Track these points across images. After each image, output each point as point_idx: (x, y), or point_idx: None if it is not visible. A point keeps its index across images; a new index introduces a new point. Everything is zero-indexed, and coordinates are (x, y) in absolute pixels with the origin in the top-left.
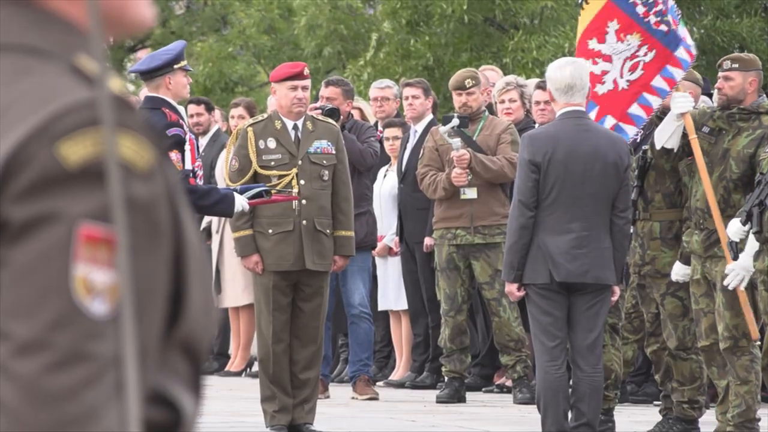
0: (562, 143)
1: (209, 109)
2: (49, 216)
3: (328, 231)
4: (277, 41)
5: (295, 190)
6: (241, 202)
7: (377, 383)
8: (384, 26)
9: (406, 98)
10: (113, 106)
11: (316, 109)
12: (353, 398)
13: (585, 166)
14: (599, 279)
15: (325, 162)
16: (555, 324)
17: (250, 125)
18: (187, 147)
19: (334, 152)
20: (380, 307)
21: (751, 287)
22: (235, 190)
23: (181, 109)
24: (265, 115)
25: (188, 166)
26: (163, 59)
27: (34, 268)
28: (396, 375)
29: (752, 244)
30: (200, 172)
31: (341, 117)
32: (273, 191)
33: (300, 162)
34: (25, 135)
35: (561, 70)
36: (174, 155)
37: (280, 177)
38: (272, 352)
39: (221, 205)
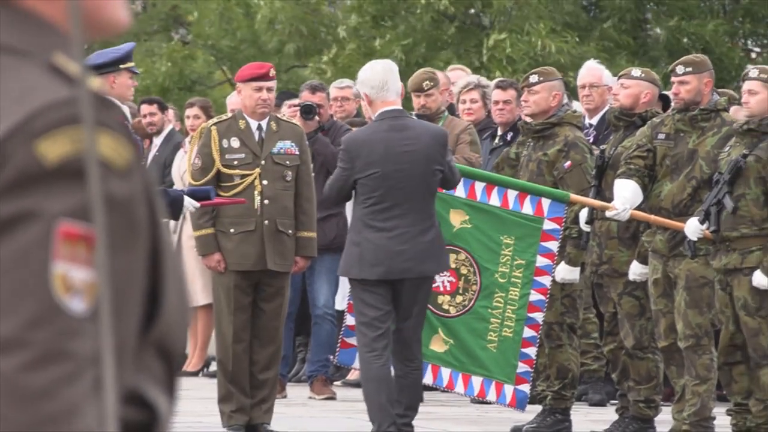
0: (378, 146)
1: (162, 108)
2: (27, 214)
3: (290, 231)
4: (236, 40)
5: (258, 190)
6: (187, 205)
7: (335, 383)
8: (350, 21)
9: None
10: (92, 105)
11: (294, 106)
12: (310, 398)
13: (404, 166)
14: (422, 273)
15: (288, 162)
16: (378, 317)
17: (214, 124)
18: None
19: (297, 153)
20: (337, 306)
21: (709, 287)
22: (183, 192)
23: (125, 109)
24: (230, 114)
25: None
26: (110, 57)
27: (12, 266)
28: (353, 375)
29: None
30: None
31: (319, 117)
32: (223, 196)
33: (263, 162)
34: (3, 133)
35: (372, 69)
36: None
37: (243, 176)
38: (232, 352)
39: (170, 209)
